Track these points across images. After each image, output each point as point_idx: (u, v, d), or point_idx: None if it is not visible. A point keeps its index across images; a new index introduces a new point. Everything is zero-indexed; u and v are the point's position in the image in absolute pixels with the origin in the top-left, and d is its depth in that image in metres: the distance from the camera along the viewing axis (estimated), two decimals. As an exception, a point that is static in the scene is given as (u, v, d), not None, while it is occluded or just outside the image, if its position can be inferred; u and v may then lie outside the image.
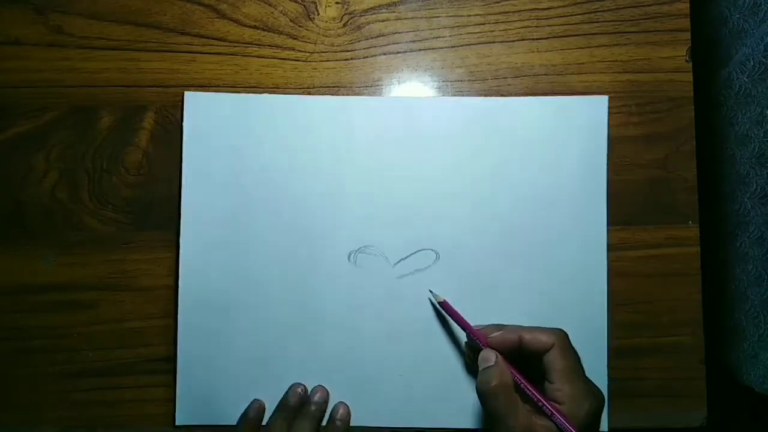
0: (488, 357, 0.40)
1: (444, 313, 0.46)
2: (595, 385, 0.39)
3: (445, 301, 0.45)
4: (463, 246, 0.47)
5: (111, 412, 0.47)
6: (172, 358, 0.47)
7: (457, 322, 0.45)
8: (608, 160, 0.47)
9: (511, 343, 0.40)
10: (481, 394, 0.39)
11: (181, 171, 0.47)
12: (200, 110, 0.47)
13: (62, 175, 0.48)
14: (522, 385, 0.39)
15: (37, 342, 0.48)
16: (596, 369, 0.46)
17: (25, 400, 0.47)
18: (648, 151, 0.48)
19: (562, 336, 0.40)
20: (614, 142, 0.48)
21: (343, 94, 0.49)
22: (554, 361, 0.38)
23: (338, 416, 0.46)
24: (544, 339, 0.39)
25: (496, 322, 0.43)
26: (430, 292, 0.46)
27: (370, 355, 0.46)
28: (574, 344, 0.40)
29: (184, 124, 0.47)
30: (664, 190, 0.48)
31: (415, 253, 0.47)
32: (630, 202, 0.48)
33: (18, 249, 0.48)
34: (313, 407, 0.46)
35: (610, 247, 0.48)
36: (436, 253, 0.47)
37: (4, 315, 0.48)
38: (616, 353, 0.48)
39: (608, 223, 0.47)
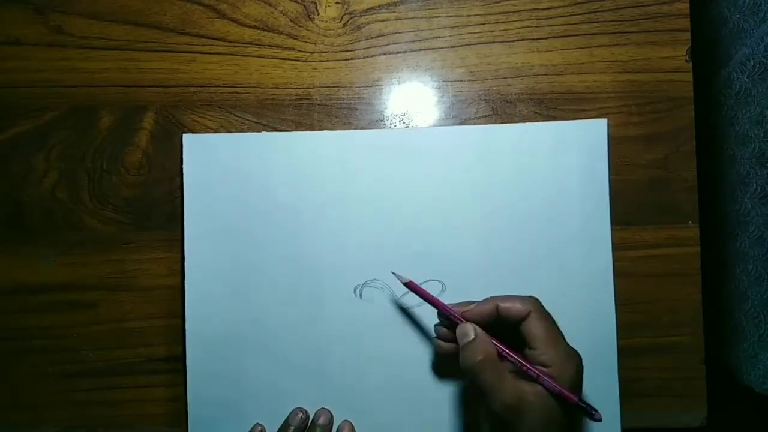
0: (467, 331, 0.40)
1: (414, 294, 0.45)
2: (571, 347, 0.40)
3: (411, 281, 0.44)
4: (469, 276, 0.46)
5: (111, 412, 0.47)
6: (172, 359, 0.47)
7: (427, 301, 0.44)
8: (610, 182, 0.47)
9: (488, 315, 0.40)
10: (468, 370, 0.39)
11: (183, 215, 0.47)
12: (199, 152, 0.47)
13: (62, 175, 0.48)
14: (505, 354, 0.39)
15: (37, 342, 0.48)
16: (608, 372, 0.46)
17: (25, 400, 0.48)
18: (648, 151, 0.48)
19: (536, 302, 0.40)
20: (614, 142, 0.48)
21: (343, 94, 0.49)
22: (533, 327, 0.39)
23: (322, 420, 0.45)
24: (520, 307, 0.39)
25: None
26: (394, 274, 0.45)
27: (375, 385, 0.46)
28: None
29: (184, 167, 0.47)
30: (664, 190, 0.48)
31: (421, 284, 0.46)
32: (630, 202, 0.48)
33: (18, 249, 0.48)
34: (318, 430, 0.45)
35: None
36: (442, 284, 0.47)
37: (4, 315, 0.48)
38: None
39: (612, 247, 0.47)
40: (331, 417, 0.46)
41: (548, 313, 0.40)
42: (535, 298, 0.40)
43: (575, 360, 0.38)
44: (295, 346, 0.46)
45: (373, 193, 0.47)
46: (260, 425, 0.46)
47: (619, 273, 0.48)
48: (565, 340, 0.39)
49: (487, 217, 0.47)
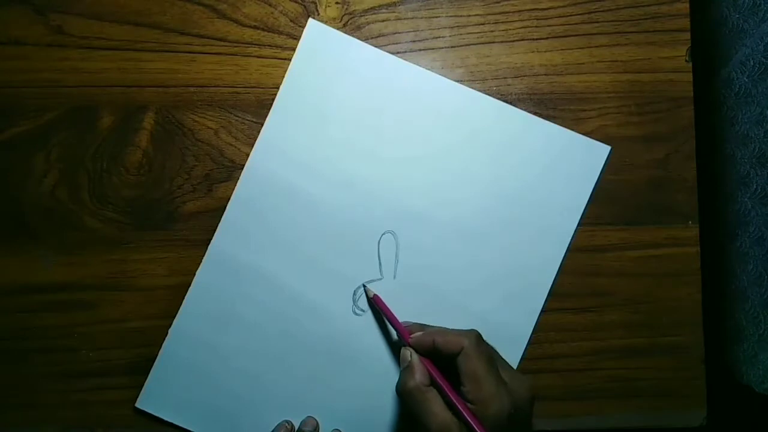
0: (405, 357, 0.41)
1: (377, 308, 0.46)
2: (516, 384, 0.39)
3: (376, 295, 0.46)
4: (404, 207, 0.47)
5: (111, 412, 0.47)
6: (172, 358, 0.47)
7: (387, 319, 0.45)
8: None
9: (427, 346, 0.41)
10: (398, 395, 0.40)
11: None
12: (158, 397, 0.47)
13: (62, 175, 0.48)
14: (439, 384, 0.39)
15: (37, 342, 0.48)
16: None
17: (25, 400, 0.48)
18: (648, 151, 0.48)
19: (472, 338, 0.40)
20: (614, 142, 0.48)
21: (343, 94, 0.48)
22: (462, 364, 0.39)
23: (308, 427, 0.45)
24: (454, 342, 0.40)
25: (469, 241, 0.46)
26: (364, 286, 0.46)
27: (363, 393, 0.47)
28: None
29: (166, 419, 0.47)
30: (664, 190, 0.48)
31: (379, 247, 0.47)
32: (630, 202, 0.48)
33: (18, 249, 0.48)
34: (305, 431, 0.45)
35: (610, 248, 0.48)
36: (392, 233, 0.47)
37: (4, 315, 0.48)
38: (616, 353, 0.48)
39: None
40: (317, 425, 0.46)
41: (484, 349, 0.40)
42: (474, 333, 0.40)
43: (500, 402, 0.37)
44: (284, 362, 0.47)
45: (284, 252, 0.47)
46: (288, 422, 0.46)
47: (619, 273, 0.48)
48: (498, 379, 0.39)
49: (461, 183, 0.47)
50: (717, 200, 0.57)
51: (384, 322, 0.47)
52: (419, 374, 0.40)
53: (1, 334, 0.48)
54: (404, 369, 0.41)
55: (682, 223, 0.48)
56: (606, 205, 0.48)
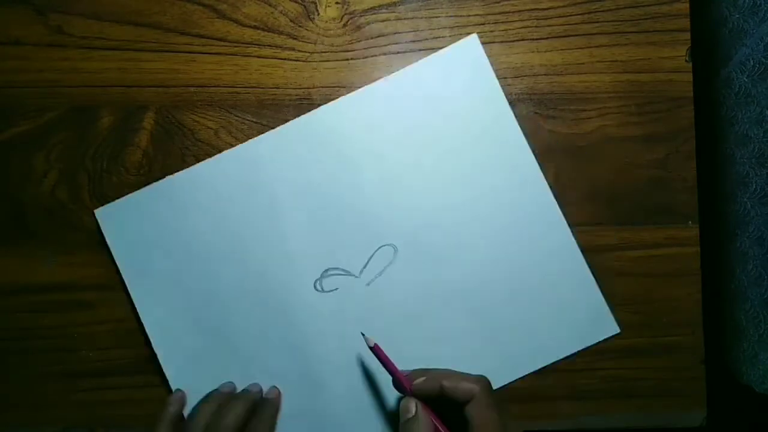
0: (409, 408, 0.39)
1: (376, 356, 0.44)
2: None
3: (376, 345, 0.43)
4: (420, 235, 0.47)
5: (111, 412, 0.47)
6: (172, 358, 0.47)
7: (385, 367, 0.42)
8: (506, 94, 0.47)
9: (433, 392, 0.39)
10: None
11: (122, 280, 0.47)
12: (118, 219, 0.47)
13: (62, 175, 0.48)
14: None
15: (37, 342, 0.48)
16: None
17: (25, 400, 0.48)
18: (648, 151, 0.48)
19: (483, 386, 0.39)
20: (614, 142, 0.48)
21: (343, 95, 0.48)
22: (473, 415, 0.38)
23: (270, 395, 0.45)
24: (464, 389, 0.38)
25: (462, 304, 0.44)
26: (362, 335, 0.44)
27: (344, 379, 0.47)
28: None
29: (107, 240, 0.47)
30: (664, 190, 0.48)
31: (374, 253, 0.47)
32: (630, 202, 0.48)
33: (18, 249, 0.48)
34: (251, 390, 0.45)
35: (610, 248, 0.48)
36: (394, 247, 0.47)
37: (4, 315, 0.48)
38: (616, 353, 0.48)
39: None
40: (279, 395, 0.46)
41: (493, 399, 0.39)
42: (484, 380, 0.39)
43: None
44: (268, 357, 0.47)
45: (299, 183, 0.47)
46: (180, 391, 0.46)
47: (619, 273, 0.48)
48: (506, 429, 0.38)
49: (412, 169, 0.47)
50: (717, 200, 0.57)
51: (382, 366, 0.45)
52: (425, 428, 0.38)
53: (1, 334, 0.48)
54: (405, 421, 0.39)
55: (682, 223, 0.48)
56: (606, 205, 0.48)
